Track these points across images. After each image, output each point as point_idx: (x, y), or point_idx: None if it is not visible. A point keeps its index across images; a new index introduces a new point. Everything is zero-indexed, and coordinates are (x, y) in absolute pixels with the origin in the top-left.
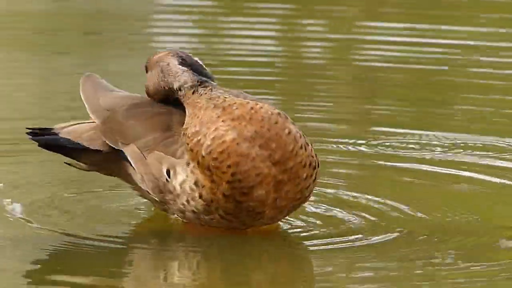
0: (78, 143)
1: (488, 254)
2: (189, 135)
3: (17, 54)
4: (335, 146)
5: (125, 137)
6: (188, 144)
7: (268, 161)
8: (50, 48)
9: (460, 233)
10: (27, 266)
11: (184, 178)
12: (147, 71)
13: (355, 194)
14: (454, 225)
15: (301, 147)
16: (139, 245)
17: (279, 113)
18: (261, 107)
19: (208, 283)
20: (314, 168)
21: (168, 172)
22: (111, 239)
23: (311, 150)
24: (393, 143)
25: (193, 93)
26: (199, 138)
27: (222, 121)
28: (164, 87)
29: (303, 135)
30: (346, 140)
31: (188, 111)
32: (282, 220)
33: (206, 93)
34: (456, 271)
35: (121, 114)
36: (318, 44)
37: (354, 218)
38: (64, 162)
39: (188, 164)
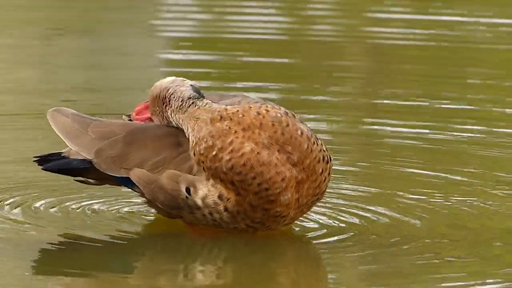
0: (90, 162)
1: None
2: (202, 152)
3: (27, 33)
4: (348, 126)
5: (129, 162)
6: (203, 161)
7: (288, 164)
8: (63, 28)
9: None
10: (29, 267)
11: (206, 193)
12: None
13: (369, 189)
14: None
15: (313, 143)
16: (145, 248)
17: (286, 113)
18: (267, 111)
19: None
20: (327, 162)
21: (187, 189)
22: (120, 243)
23: (322, 144)
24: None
25: (189, 106)
26: (214, 153)
27: (235, 132)
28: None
29: (312, 133)
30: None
31: (188, 125)
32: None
33: (204, 106)
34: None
35: (121, 141)
36: (327, 25)
37: (369, 215)
38: (74, 179)
39: (208, 179)
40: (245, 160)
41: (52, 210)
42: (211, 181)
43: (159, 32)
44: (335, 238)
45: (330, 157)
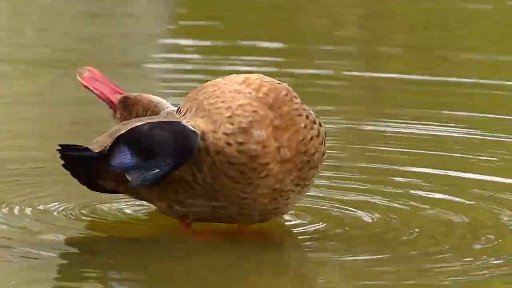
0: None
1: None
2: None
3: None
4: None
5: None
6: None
7: (261, 103)
8: None
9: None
10: (27, 267)
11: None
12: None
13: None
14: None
15: (296, 97)
16: (141, 252)
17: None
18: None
19: None
20: (314, 122)
21: None
22: (108, 246)
23: (310, 110)
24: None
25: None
26: (194, 91)
27: (217, 80)
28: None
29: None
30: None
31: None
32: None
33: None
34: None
35: (118, 125)
36: None
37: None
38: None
39: (187, 122)
40: (216, 88)
41: (43, 209)
42: (192, 121)
43: None
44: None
45: (320, 123)
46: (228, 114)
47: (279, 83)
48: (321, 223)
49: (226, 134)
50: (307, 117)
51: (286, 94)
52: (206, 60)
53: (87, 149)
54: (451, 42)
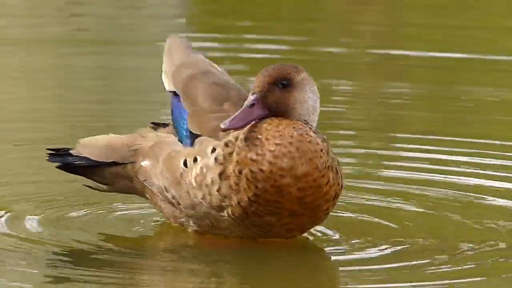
0: (94, 160)
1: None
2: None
3: None
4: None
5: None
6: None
7: (295, 200)
8: None
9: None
10: (32, 280)
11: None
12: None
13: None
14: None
15: (333, 184)
16: (153, 260)
17: (321, 149)
18: (310, 137)
19: None
20: (336, 197)
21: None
22: (125, 253)
23: (340, 177)
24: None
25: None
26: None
27: (266, 139)
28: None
29: (336, 159)
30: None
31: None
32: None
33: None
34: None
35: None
36: None
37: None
38: (83, 185)
39: (227, 144)
40: (266, 169)
41: (46, 220)
42: (228, 149)
43: None
44: (343, 248)
45: (342, 185)
46: (255, 192)
47: (327, 182)
48: (339, 228)
49: (257, 189)
50: (334, 196)
51: (326, 193)
52: (222, 39)
53: (76, 156)
54: (472, 22)
